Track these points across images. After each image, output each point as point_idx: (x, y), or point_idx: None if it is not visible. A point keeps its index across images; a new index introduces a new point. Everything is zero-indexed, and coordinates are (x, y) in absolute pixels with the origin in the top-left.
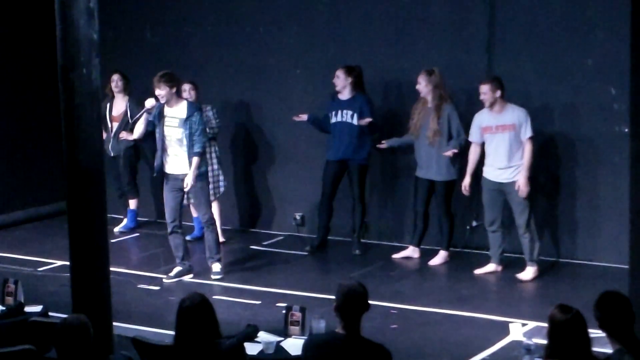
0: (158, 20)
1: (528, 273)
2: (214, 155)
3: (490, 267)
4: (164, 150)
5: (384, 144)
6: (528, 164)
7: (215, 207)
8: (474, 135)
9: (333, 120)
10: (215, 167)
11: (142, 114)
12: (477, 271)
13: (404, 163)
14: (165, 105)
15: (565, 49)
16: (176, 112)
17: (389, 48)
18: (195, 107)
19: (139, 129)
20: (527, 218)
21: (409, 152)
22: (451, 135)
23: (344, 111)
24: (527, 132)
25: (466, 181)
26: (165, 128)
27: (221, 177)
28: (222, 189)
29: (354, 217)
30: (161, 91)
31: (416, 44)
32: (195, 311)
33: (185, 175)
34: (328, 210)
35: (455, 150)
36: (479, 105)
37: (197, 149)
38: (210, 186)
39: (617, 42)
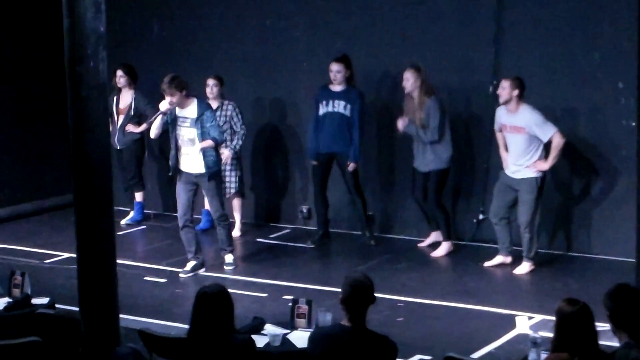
0: (165, 14)
1: (523, 268)
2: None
3: (498, 259)
4: (177, 149)
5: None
6: (554, 155)
7: (236, 204)
8: (495, 125)
9: (322, 110)
10: (230, 167)
11: (158, 116)
12: (487, 263)
13: (406, 155)
14: (177, 107)
15: (572, 43)
16: (187, 113)
17: (396, 42)
18: (205, 106)
19: (155, 130)
20: (530, 217)
21: (410, 144)
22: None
23: (336, 101)
24: (545, 134)
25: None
26: (177, 128)
27: (232, 178)
28: (232, 190)
29: (356, 211)
30: (173, 97)
31: (423, 38)
32: (214, 300)
33: (198, 174)
34: (324, 203)
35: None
36: (485, 100)
37: (215, 135)
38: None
39: (624, 37)
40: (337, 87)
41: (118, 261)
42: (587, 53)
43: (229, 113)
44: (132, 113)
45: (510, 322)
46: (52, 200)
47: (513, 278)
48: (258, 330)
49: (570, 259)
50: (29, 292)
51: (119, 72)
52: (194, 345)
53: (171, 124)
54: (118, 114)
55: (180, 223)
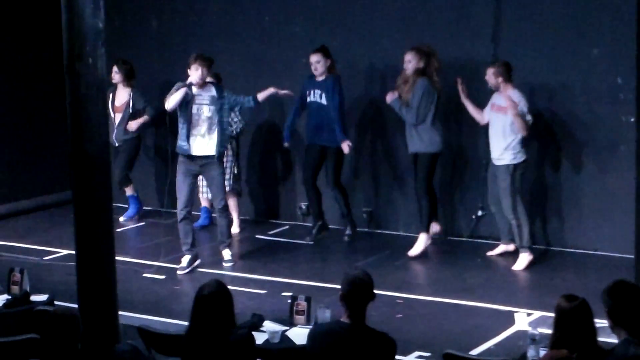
0: (164, 10)
1: (521, 261)
2: (232, 151)
3: (501, 248)
4: (189, 130)
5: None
6: (517, 120)
7: (232, 203)
8: (485, 111)
9: (308, 99)
10: (229, 164)
11: (184, 86)
12: (490, 253)
13: (406, 151)
14: (193, 86)
15: (571, 38)
16: (206, 92)
17: (395, 37)
18: (221, 88)
19: (174, 101)
20: (511, 202)
21: None
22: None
23: (316, 91)
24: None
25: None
26: (194, 107)
27: (228, 174)
28: (227, 187)
29: (338, 206)
30: (204, 72)
31: (422, 32)
32: (213, 297)
33: (207, 155)
34: (315, 194)
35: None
36: (486, 94)
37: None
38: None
39: (623, 32)
40: (319, 78)
41: (117, 258)
42: (586, 49)
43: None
44: (130, 111)
45: (509, 319)
46: (51, 197)
47: (512, 274)
48: (257, 327)
49: (569, 255)
50: (28, 289)
51: (114, 68)
52: (194, 342)
53: (186, 103)
54: (114, 112)
55: (181, 215)
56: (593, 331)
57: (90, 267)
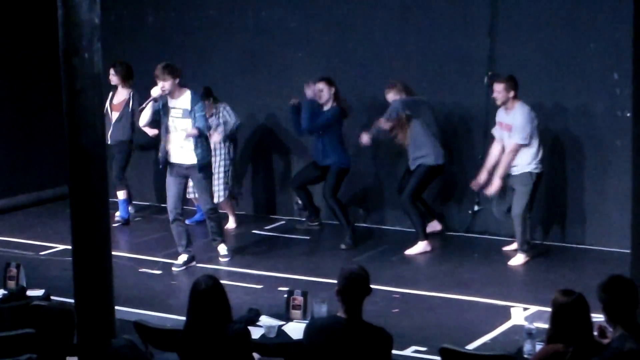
0: (160, 5)
1: (518, 259)
2: (227, 154)
3: (514, 245)
4: (168, 141)
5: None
6: (503, 164)
7: (227, 206)
8: (494, 131)
9: None
10: (225, 168)
11: (149, 102)
12: (506, 248)
13: (404, 148)
14: (168, 96)
15: (568, 34)
16: (180, 103)
17: (391, 33)
18: (198, 98)
19: (145, 117)
20: (521, 210)
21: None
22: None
23: None
24: (513, 138)
25: (480, 177)
26: (170, 119)
27: (220, 182)
28: (221, 197)
29: (335, 215)
30: (165, 83)
31: (418, 29)
32: (209, 293)
33: (190, 165)
34: (305, 194)
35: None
36: (480, 91)
37: (200, 125)
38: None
39: (619, 27)
40: (325, 108)
41: (113, 253)
42: (583, 44)
43: (221, 120)
44: (130, 110)
45: (505, 314)
46: (47, 192)
47: (508, 269)
48: (253, 321)
49: (565, 250)
50: (24, 284)
51: (111, 71)
52: (191, 337)
53: (162, 114)
54: (112, 110)
55: (171, 217)
56: (589, 326)
57: (87, 262)
